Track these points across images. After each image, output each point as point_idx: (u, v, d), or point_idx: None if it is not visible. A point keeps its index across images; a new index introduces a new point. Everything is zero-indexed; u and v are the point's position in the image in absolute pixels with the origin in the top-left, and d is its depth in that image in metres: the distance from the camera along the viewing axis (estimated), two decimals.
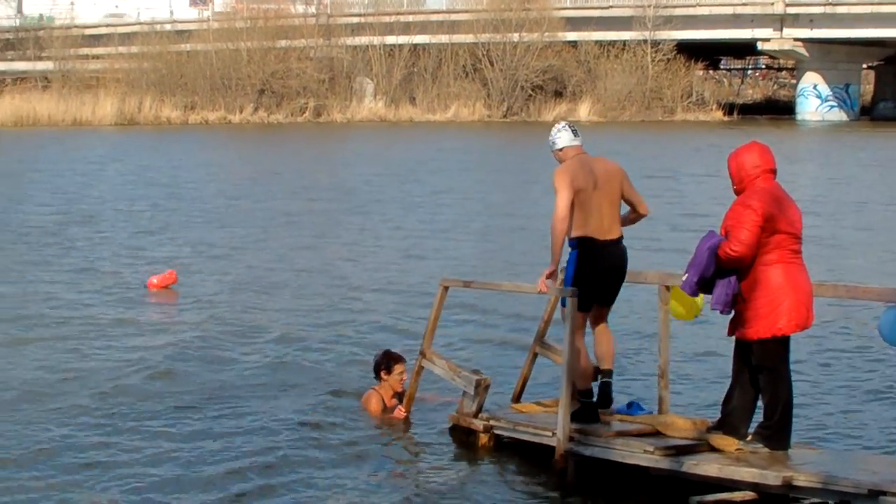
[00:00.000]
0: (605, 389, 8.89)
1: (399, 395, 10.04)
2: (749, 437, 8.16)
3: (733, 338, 8.22)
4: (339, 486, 8.33)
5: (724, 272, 7.99)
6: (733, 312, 8.10)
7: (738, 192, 8.14)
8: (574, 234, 8.67)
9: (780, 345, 8.01)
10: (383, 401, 10.01)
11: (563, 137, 8.90)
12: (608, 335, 8.97)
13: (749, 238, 7.87)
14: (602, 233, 8.68)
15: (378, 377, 10.11)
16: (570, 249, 8.74)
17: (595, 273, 8.67)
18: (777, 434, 8.07)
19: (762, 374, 8.06)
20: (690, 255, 8.16)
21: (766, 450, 8.05)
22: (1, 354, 12.19)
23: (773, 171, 8.13)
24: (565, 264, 8.78)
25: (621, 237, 8.81)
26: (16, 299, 15.23)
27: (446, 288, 9.83)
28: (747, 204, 7.94)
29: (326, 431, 9.51)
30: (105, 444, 9.15)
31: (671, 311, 9.11)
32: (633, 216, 9.02)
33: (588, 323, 8.92)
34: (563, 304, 8.77)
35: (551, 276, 8.69)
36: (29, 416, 9.92)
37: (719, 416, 8.38)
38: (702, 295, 8.34)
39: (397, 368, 10.05)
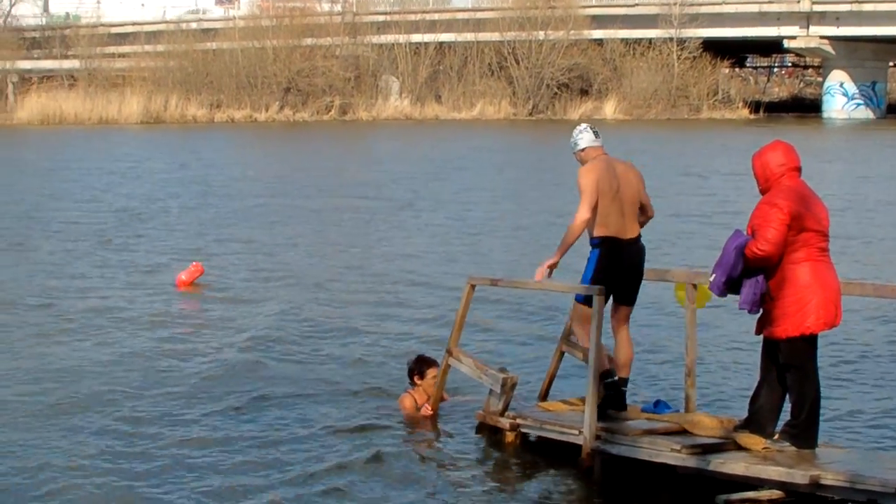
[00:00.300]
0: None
1: None
2: (776, 436, 8.16)
3: (760, 336, 8.24)
4: (365, 484, 8.38)
5: (751, 271, 7.98)
6: (761, 311, 8.12)
7: (763, 192, 8.13)
8: (597, 233, 8.81)
9: (808, 343, 8.01)
10: (416, 404, 10.03)
11: (584, 138, 9.06)
12: (629, 343, 9.06)
13: (776, 237, 7.87)
14: (623, 232, 8.84)
15: (412, 382, 10.15)
16: (590, 248, 8.85)
17: (618, 271, 8.79)
18: (804, 433, 8.07)
19: (790, 372, 8.06)
20: (718, 252, 8.18)
21: (793, 448, 8.05)
22: (35, 350, 12.27)
23: (799, 169, 8.13)
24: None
25: (639, 236, 8.97)
26: (48, 295, 15.33)
27: (473, 286, 9.85)
28: (773, 202, 7.93)
29: (359, 432, 9.51)
30: (137, 448, 9.16)
31: (678, 300, 9.24)
32: (643, 219, 9.16)
33: (611, 326, 9.03)
34: (579, 301, 8.87)
35: (552, 267, 8.81)
36: (61, 417, 9.96)
37: (746, 414, 8.39)
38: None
39: (430, 373, 10.06)
